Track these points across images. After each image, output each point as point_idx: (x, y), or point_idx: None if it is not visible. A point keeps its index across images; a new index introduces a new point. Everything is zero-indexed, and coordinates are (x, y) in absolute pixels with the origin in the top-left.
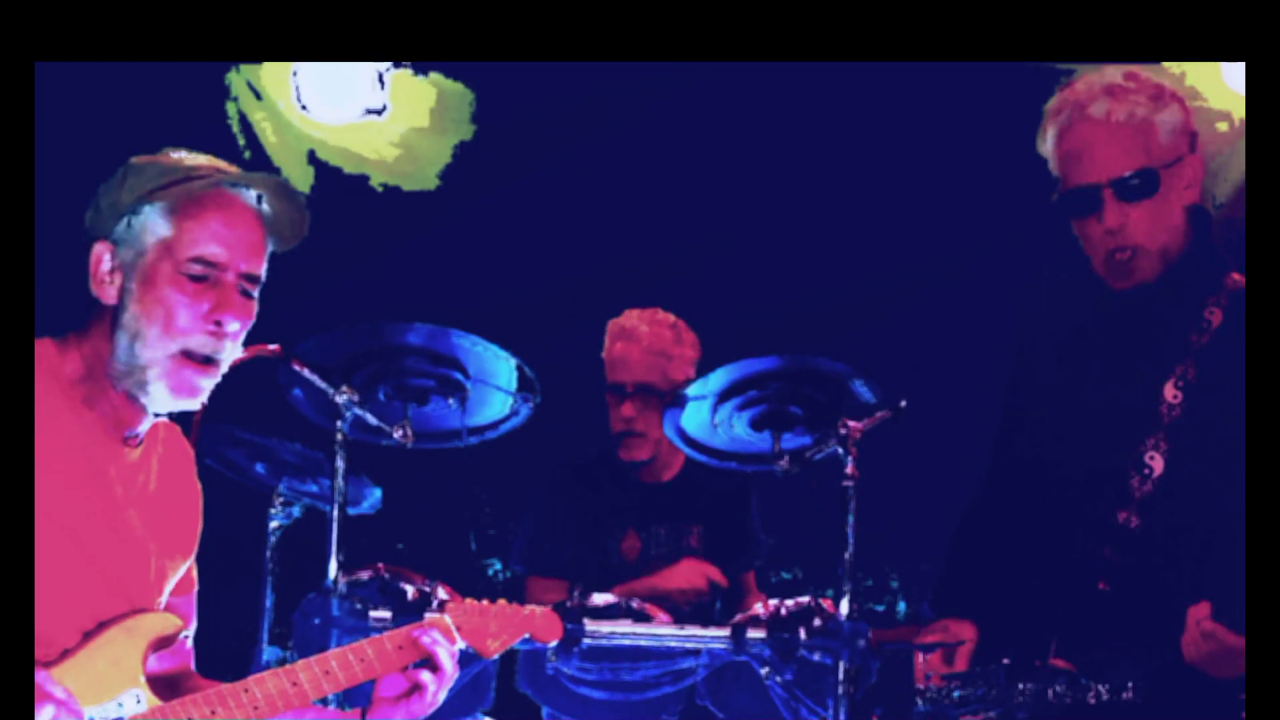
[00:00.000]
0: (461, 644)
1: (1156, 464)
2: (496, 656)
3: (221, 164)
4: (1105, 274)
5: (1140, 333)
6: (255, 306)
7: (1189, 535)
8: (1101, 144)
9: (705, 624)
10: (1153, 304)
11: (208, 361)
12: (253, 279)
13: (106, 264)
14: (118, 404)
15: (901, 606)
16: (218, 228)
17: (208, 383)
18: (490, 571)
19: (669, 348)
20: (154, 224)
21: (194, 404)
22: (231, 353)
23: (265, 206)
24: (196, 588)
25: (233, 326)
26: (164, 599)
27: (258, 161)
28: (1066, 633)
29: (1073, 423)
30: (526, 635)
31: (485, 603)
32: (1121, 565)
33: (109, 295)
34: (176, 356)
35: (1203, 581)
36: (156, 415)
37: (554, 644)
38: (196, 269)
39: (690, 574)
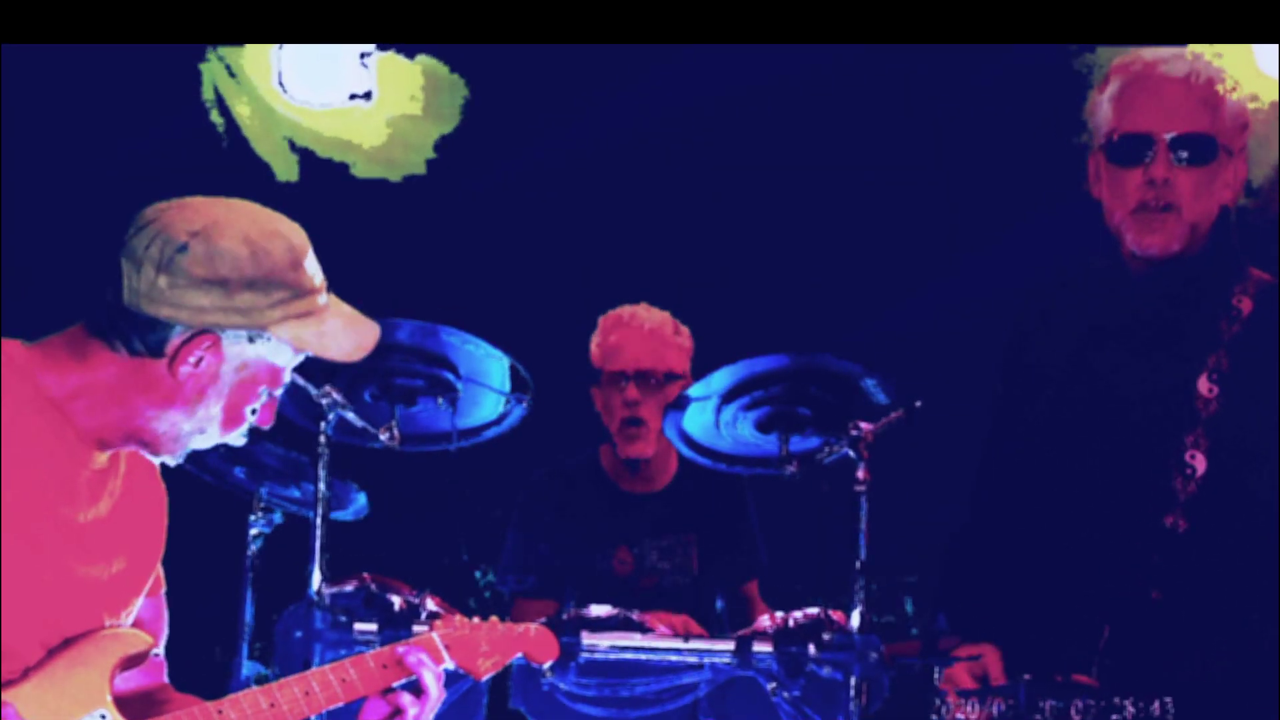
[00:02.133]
0: (450, 664)
1: (1199, 463)
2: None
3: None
4: (1130, 230)
5: (1167, 327)
6: None
7: (1240, 535)
8: (1171, 97)
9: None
10: (1177, 296)
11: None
12: None
13: (205, 354)
14: (111, 433)
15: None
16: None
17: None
18: (482, 582)
19: (668, 335)
20: (276, 351)
21: None
22: None
23: None
24: (165, 587)
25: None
26: (135, 607)
27: (237, 149)
28: (1114, 645)
29: (1105, 427)
30: (520, 655)
31: (476, 620)
32: (1173, 572)
33: (183, 377)
34: (212, 444)
35: (1259, 583)
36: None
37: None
38: (279, 391)
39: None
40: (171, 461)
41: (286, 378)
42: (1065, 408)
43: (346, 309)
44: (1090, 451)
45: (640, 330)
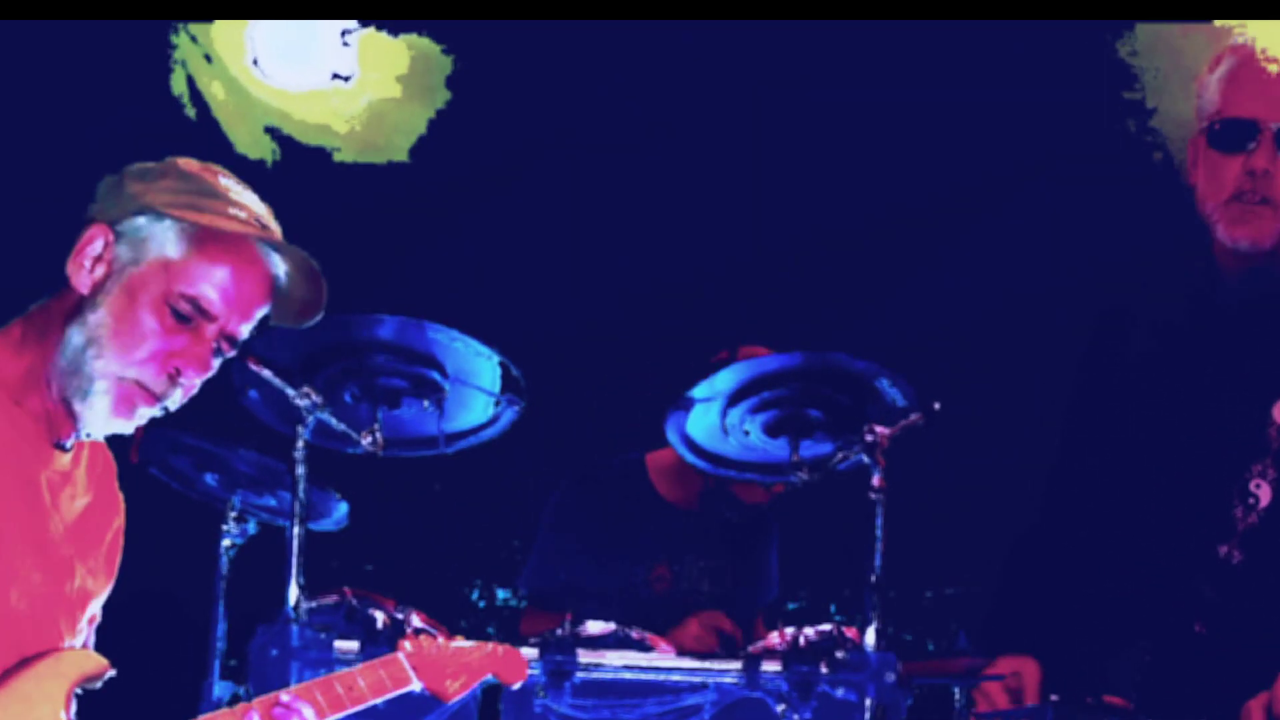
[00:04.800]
0: (418, 685)
1: (1264, 493)
2: (476, 693)
3: (268, 216)
4: (1221, 220)
5: (1248, 348)
6: (219, 364)
7: None
8: None
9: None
10: (1265, 310)
11: (154, 396)
12: (233, 342)
13: (97, 249)
14: (51, 408)
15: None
16: (227, 278)
17: (148, 412)
18: (473, 596)
19: None
20: (167, 239)
21: (128, 428)
22: (178, 401)
23: (285, 280)
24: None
25: (191, 381)
26: (86, 624)
27: (209, 134)
28: (1152, 676)
29: (1168, 445)
30: (490, 676)
31: (442, 640)
32: (1220, 604)
33: (82, 283)
34: (126, 382)
35: None
36: (88, 436)
37: (542, 680)
38: (185, 308)
39: (698, 637)
40: (100, 418)
41: (207, 297)
42: (1133, 420)
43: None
44: (1152, 469)
45: None
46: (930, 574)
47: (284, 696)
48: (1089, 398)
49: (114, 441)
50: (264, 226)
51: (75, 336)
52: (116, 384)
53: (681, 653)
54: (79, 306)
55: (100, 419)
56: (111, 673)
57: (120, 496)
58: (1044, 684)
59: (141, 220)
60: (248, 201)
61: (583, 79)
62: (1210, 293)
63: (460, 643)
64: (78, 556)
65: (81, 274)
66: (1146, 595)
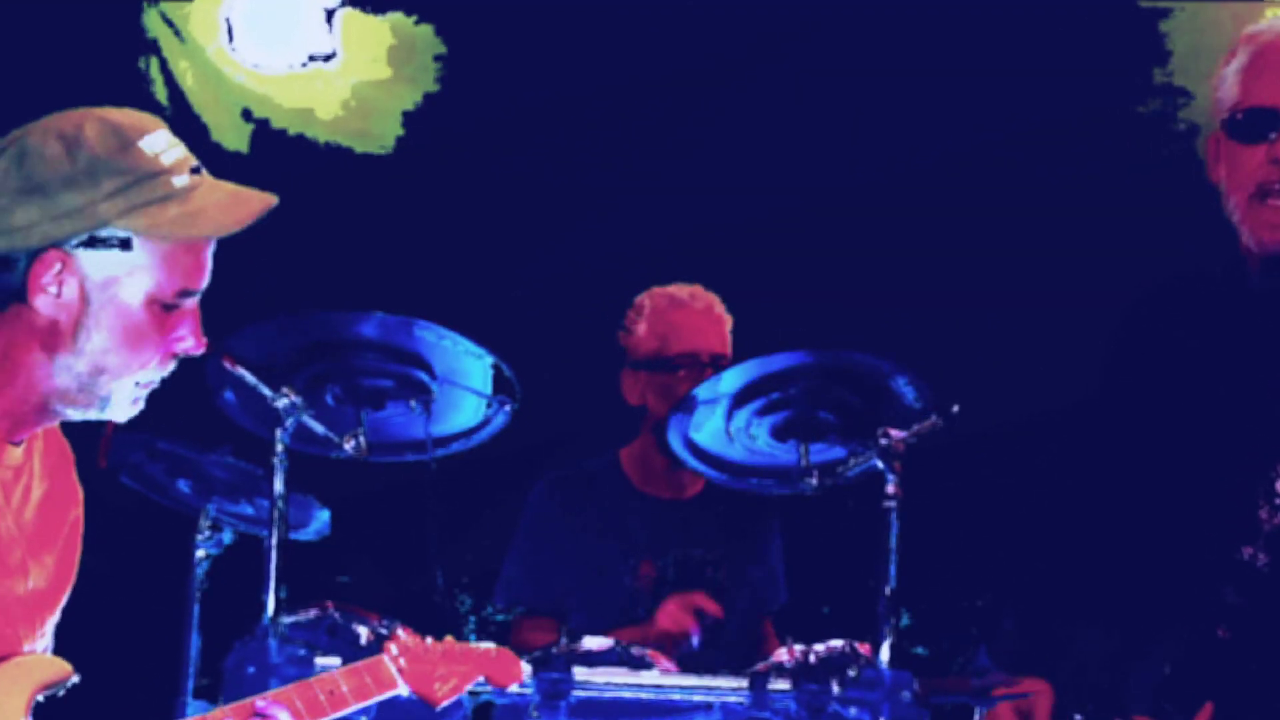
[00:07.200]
0: (405, 690)
1: None
2: (467, 711)
3: (190, 156)
4: (1246, 220)
5: (1276, 341)
6: None
7: None
8: None
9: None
10: None
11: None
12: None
13: (56, 271)
14: (22, 412)
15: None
16: (204, 253)
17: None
18: (462, 610)
19: (726, 321)
20: (145, 253)
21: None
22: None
23: None
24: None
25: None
26: (51, 625)
27: (182, 118)
28: (1174, 687)
29: (1191, 443)
30: (481, 679)
31: (430, 641)
32: (1244, 609)
33: (47, 308)
34: (141, 385)
35: None
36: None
37: (536, 699)
38: (176, 300)
39: (674, 616)
40: (122, 416)
41: (194, 282)
42: (1156, 415)
43: (227, 186)
44: (1175, 467)
45: (705, 314)
46: (950, 587)
47: (259, 702)
48: (1112, 394)
49: (81, 445)
50: (196, 172)
51: (76, 366)
52: (133, 389)
53: (662, 638)
54: (53, 331)
55: (122, 417)
56: (75, 679)
57: (79, 487)
58: (1059, 704)
59: (103, 244)
60: (177, 160)
61: (579, 56)
62: (1238, 283)
63: (449, 643)
64: (30, 556)
65: (42, 300)
66: (1167, 600)
